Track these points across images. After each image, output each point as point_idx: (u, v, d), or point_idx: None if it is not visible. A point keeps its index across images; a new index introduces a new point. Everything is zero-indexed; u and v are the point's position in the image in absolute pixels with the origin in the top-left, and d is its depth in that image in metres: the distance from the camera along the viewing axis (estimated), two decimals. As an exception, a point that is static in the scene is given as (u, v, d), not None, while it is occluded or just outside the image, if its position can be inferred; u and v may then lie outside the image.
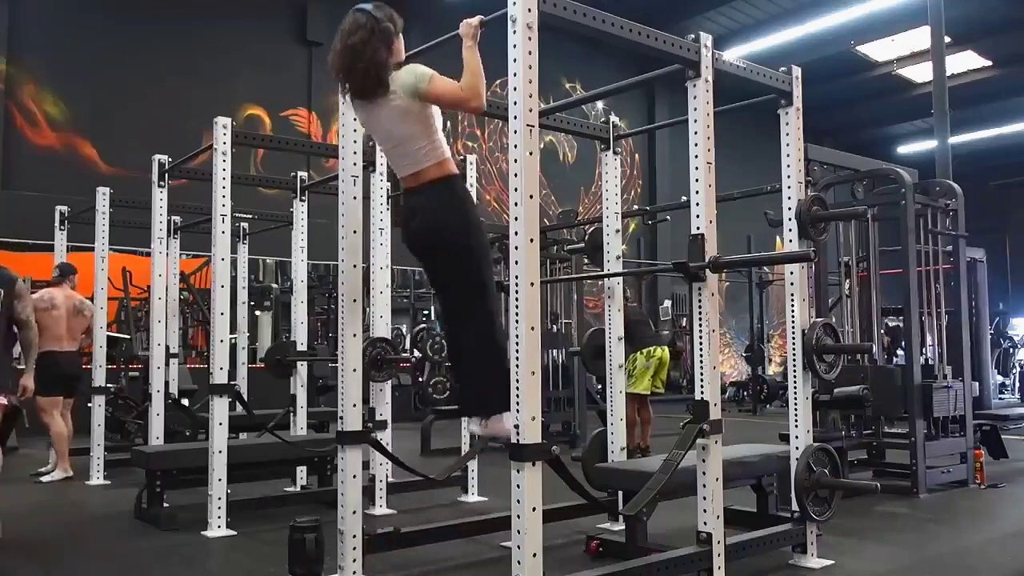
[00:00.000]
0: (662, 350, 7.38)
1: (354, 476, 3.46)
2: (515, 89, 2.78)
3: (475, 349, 3.28)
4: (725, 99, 4.01)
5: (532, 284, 2.75)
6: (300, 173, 6.22)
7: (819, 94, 15.54)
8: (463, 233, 3.26)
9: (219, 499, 4.65)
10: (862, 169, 6.51)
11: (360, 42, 3.17)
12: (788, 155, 3.98)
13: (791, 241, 3.96)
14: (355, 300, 3.55)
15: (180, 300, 7.43)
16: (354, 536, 3.42)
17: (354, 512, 3.42)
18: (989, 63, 17.58)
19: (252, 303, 10.34)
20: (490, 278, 3.33)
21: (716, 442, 3.39)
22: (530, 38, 2.77)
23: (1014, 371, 15.49)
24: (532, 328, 2.74)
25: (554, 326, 9.06)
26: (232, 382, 5.46)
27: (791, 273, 3.96)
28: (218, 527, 4.63)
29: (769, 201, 5.86)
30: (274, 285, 12.32)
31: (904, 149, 22.28)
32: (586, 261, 7.86)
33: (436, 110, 3.31)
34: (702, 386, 3.38)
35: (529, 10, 2.76)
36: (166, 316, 6.22)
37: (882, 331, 6.53)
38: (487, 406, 3.26)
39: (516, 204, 2.78)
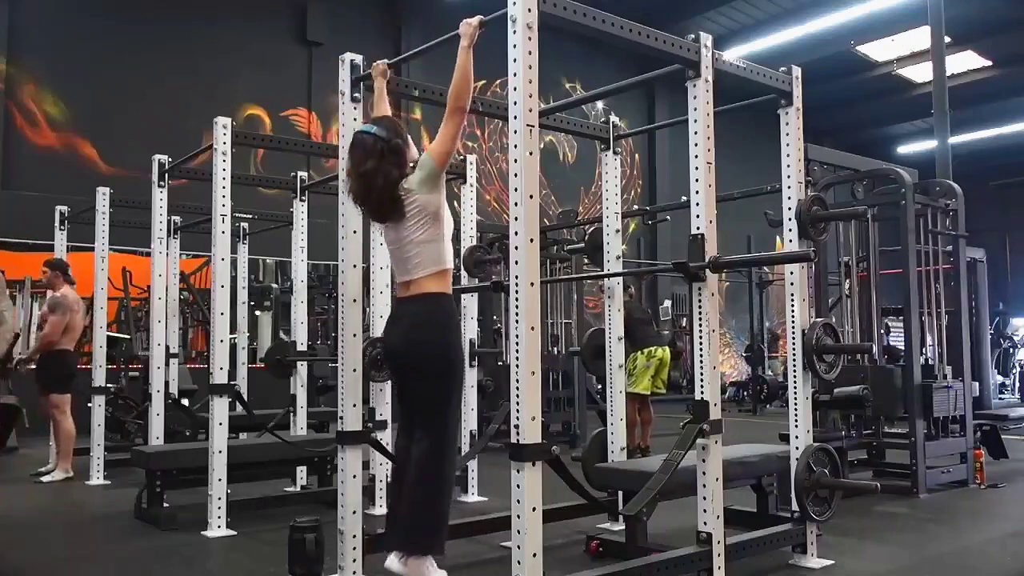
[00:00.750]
0: (663, 350, 7.36)
1: (354, 476, 3.46)
2: (515, 89, 2.78)
3: (417, 476, 3.13)
4: (725, 99, 4.01)
5: (532, 284, 2.75)
6: (300, 173, 6.22)
7: (819, 94, 15.53)
8: (437, 349, 3.20)
9: (219, 499, 4.65)
10: (862, 169, 6.51)
11: (372, 170, 3.17)
12: (788, 155, 3.98)
13: (791, 241, 3.96)
14: (355, 300, 3.55)
15: (180, 300, 7.43)
16: (354, 536, 3.42)
17: (354, 512, 3.43)
18: (989, 63, 17.58)
19: (252, 303, 10.33)
20: (455, 407, 3.26)
21: (716, 442, 3.39)
22: (530, 38, 2.77)
23: (1014, 371, 15.50)
24: (532, 328, 2.74)
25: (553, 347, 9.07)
26: (232, 382, 5.46)
27: (791, 273, 3.96)
28: (218, 527, 4.63)
29: (769, 201, 5.86)
30: (274, 285, 12.32)
31: (904, 149, 22.27)
32: (586, 261, 7.87)
33: (450, 219, 3.31)
34: (702, 386, 3.38)
35: (529, 10, 2.76)
36: (166, 316, 6.22)
37: (882, 331, 6.53)
38: (412, 543, 3.07)
39: (516, 204, 2.78)
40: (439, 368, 3.20)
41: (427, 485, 3.12)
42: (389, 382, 5.16)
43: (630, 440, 5.56)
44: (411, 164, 3.29)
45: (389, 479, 5.24)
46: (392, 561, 3.10)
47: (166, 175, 5.96)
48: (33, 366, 6.84)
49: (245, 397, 5.87)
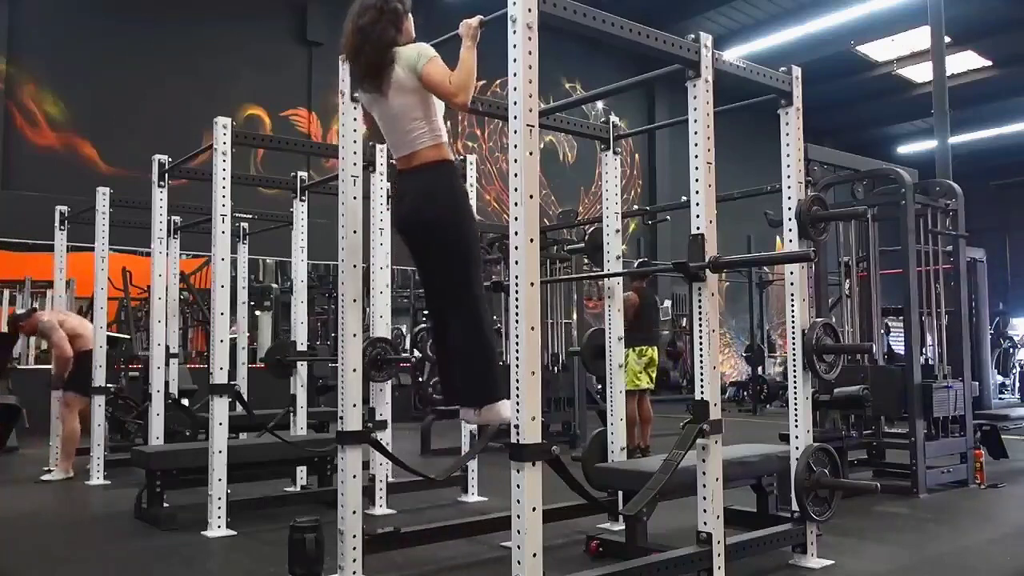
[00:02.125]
0: (652, 350, 7.39)
1: (354, 476, 3.46)
2: (515, 89, 2.78)
3: (462, 338, 3.27)
4: (725, 99, 4.02)
5: (532, 284, 2.75)
6: (300, 173, 6.22)
7: (819, 94, 15.54)
8: (451, 219, 3.24)
9: (219, 499, 4.65)
10: (862, 169, 6.50)
11: (369, 23, 3.19)
12: (788, 155, 3.98)
13: (791, 241, 3.96)
14: (355, 300, 3.55)
15: (180, 300, 7.43)
16: (354, 536, 3.42)
17: (354, 512, 3.42)
18: (989, 63, 17.59)
19: (252, 303, 10.33)
20: (476, 268, 3.32)
21: (716, 442, 3.39)
22: (530, 38, 2.77)
23: (1014, 371, 15.50)
24: (532, 328, 2.74)
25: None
26: (232, 382, 5.46)
27: (791, 273, 3.96)
28: (218, 527, 4.63)
29: (769, 201, 5.86)
30: (274, 285, 12.33)
31: (904, 149, 22.28)
32: (586, 261, 7.86)
33: (436, 99, 3.31)
34: (702, 386, 3.38)
35: (529, 10, 2.76)
36: (166, 316, 6.22)
37: (882, 331, 6.53)
38: (480, 394, 3.26)
39: (516, 204, 2.78)
40: (455, 235, 3.24)
41: (475, 350, 3.25)
42: (389, 382, 5.17)
43: (630, 440, 5.57)
44: (407, 39, 3.29)
45: (391, 480, 5.27)
46: (468, 416, 3.35)
47: (166, 175, 5.96)
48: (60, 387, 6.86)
49: (245, 397, 5.87)
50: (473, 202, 5.64)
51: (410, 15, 3.33)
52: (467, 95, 3.13)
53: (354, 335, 3.49)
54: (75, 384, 6.64)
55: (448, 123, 3.43)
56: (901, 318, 6.25)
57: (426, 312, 3.70)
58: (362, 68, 3.26)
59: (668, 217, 9.56)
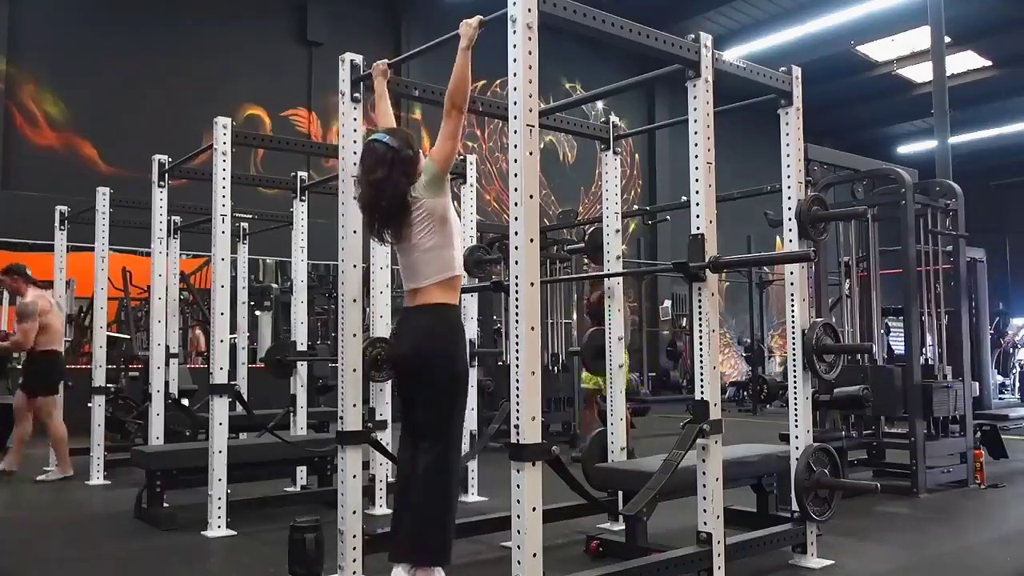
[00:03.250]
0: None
1: (354, 476, 3.46)
2: (515, 89, 2.78)
3: (424, 488, 3.12)
4: (725, 99, 4.01)
5: (532, 284, 2.75)
6: (300, 173, 6.22)
7: (819, 94, 15.53)
8: (443, 360, 3.19)
9: (219, 499, 4.65)
10: (862, 169, 6.51)
11: (382, 179, 3.14)
12: (788, 155, 3.98)
13: (791, 241, 3.96)
14: (355, 300, 3.55)
15: (180, 300, 7.43)
16: (354, 536, 3.42)
17: (354, 512, 3.43)
18: (989, 63, 17.58)
19: (252, 303, 10.33)
20: (459, 419, 3.25)
21: (716, 442, 3.39)
22: (530, 38, 2.78)
23: (1014, 371, 15.50)
24: (532, 328, 2.74)
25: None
26: (232, 382, 5.46)
27: (791, 273, 3.96)
28: (218, 527, 4.63)
29: (769, 201, 5.86)
30: (274, 285, 12.32)
31: (904, 149, 22.27)
32: (586, 261, 7.86)
33: (458, 224, 3.31)
34: (702, 386, 3.38)
35: (529, 10, 2.77)
36: (166, 316, 6.22)
37: (882, 331, 6.53)
38: (421, 555, 3.07)
39: (516, 204, 2.78)
40: (445, 380, 3.19)
41: (434, 497, 3.11)
42: (389, 382, 5.16)
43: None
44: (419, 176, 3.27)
45: (391, 480, 5.26)
46: (398, 573, 3.11)
47: (166, 175, 5.96)
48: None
49: (245, 397, 5.87)
50: (473, 202, 5.68)
51: (421, 154, 3.29)
52: (464, 100, 3.14)
53: (354, 335, 3.50)
54: (41, 386, 6.59)
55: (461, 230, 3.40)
56: (901, 318, 6.25)
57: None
58: (381, 218, 3.23)
59: (668, 217, 9.57)
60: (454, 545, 3.16)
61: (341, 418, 3.50)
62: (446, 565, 3.09)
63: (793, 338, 3.90)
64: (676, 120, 4.57)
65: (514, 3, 2.76)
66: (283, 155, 11.10)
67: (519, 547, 2.68)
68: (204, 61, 12.20)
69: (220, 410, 4.73)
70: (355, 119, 3.64)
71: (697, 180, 3.43)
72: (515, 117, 2.78)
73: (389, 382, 5.15)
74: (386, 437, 4.98)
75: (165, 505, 4.96)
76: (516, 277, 2.76)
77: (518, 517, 2.69)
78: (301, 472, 5.86)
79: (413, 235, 3.21)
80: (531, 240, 2.76)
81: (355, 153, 3.57)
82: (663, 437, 7.47)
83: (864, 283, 6.38)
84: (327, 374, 7.99)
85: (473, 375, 5.64)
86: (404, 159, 3.18)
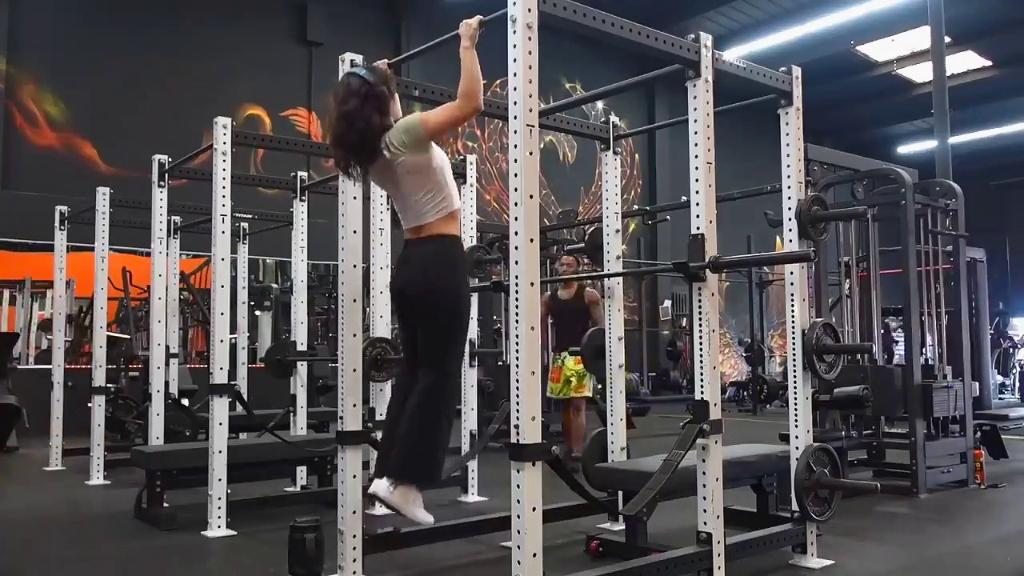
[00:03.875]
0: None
1: (354, 476, 3.46)
2: (515, 89, 2.78)
3: (418, 409, 3.16)
4: (725, 99, 4.01)
5: (532, 284, 2.75)
6: (300, 173, 6.22)
7: (819, 94, 15.52)
8: (445, 291, 3.22)
9: (219, 499, 4.65)
10: (862, 169, 6.50)
11: (353, 110, 3.15)
12: (788, 155, 3.98)
13: (791, 241, 3.96)
14: (355, 300, 3.55)
15: (180, 300, 7.43)
16: (354, 536, 3.42)
17: (354, 512, 3.43)
18: (989, 63, 17.57)
19: (252, 303, 10.33)
20: (459, 348, 3.29)
21: (716, 442, 3.39)
22: (530, 38, 2.78)
23: (1014, 371, 15.49)
24: (532, 328, 2.74)
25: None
26: (232, 382, 5.46)
27: (791, 273, 3.96)
28: (218, 527, 4.63)
29: (769, 201, 5.86)
30: (274, 285, 12.32)
31: (904, 149, 22.27)
32: (586, 261, 7.85)
33: (442, 157, 3.30)
34: (702, 386, 3.38)
35: (529, 10, 2.77)
36: (166, 316, 6.22)
37: (882, 331, 6.53)
38: (405, 472, 3.10)
39: (516, 204, 2.78)
40: (447, 308, 3.23)
41: (428, 417, 3.15)
42: (389, 382, 5.16)
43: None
44: (393, 119, 3.27)
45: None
46: (380, 485, 3.11)
47: (166, 175, 5.96)
48: None
49: (245, 397, 5.87)
50: (473, 202, 5.68)
51: (396, 96, 3.30)
52: (478, 98, 3.11)
53: (354, 335, 3.50)
54: None
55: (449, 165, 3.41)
56: (900, 318, 6.25)
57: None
58: (347, 154, 3.24)
59: (668, 217, 9.57)
60: (440, 475, 3.23)
61: (341, 418, 3.50)
62: (428, 487, 3.14)
63: (793, 338, 3.90)
64: (676, 120, 4.57)
65: (514, 3, 2.76)
66: (283, 155, 11.10)
67: (519, 547, 2.68)
68: (204, 61, 12.20)
69: (220, 410, 4.73)
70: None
71: (697, 180, 3.43)
72: (515, 117, 2.78)
73: (389, 382, 5.16)
74: (386, 437, 4.98)
75: (165, 505, 4.96)
76: (516, 277, 2.76)
77: (518, 517, 2.69)
78: (301, 472, 5.86)
79: (404, 186, 3.24)
80: (531, 240, 2.76)
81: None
82: (663, 437, 7.48)
83: (864, 283, 6.38)
84: (327, 374, 7.99)
85: (473, 375, 5.65)
86: (378, 94, 3.19)
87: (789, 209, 3.94)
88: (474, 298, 5.80)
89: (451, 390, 3.27)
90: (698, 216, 3.41)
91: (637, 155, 17.61)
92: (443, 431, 3.19)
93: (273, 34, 13.06)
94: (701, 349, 3.39)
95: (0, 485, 6.49)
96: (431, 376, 3.21)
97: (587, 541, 4.16)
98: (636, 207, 13.64)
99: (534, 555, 2.67)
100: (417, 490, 3.13)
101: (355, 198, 3.56)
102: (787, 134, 3.98)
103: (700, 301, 3.42)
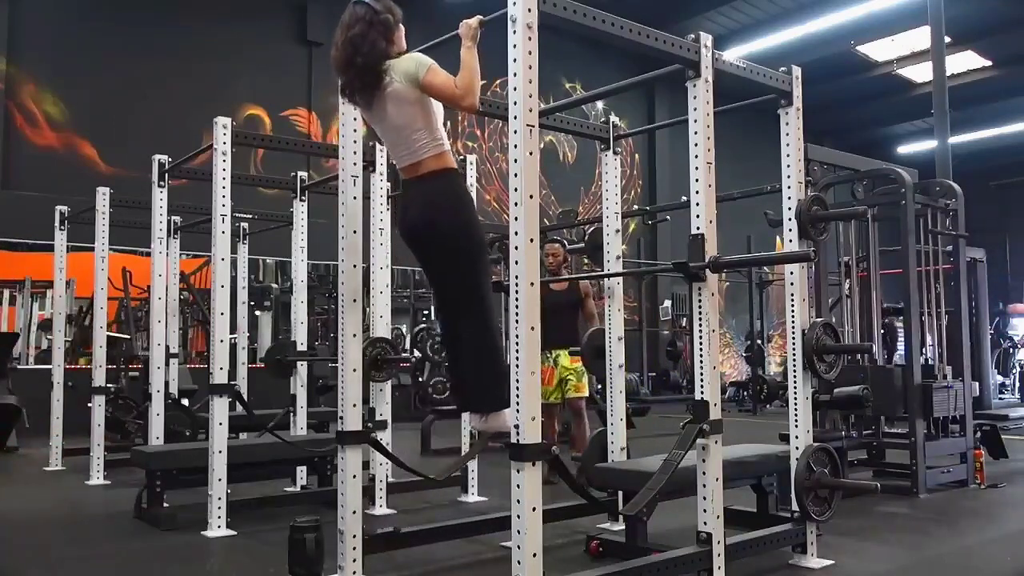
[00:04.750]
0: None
1: (354, 476, 3.46)
2: (515, 89, 2.78)
3: (471, 345, 3.30)
4: (725, 99, 4.01)
5: (532, 284, 2.75)
6: (300, 173, 6.22)
7: (819, 94, 15.54)
8: (458, 227, 3.27)
9: (219, 499, 4.65)
10: (862, 169, 6.50)
11: (359, 34, 3.20)
12: (788, 155, 3.98)
13: (791, 241, 3.96)
14: (355, 300, 3.55)
15: (180, 300, 7.43)
16: (354, 536, 3.42)
17: (354, 512, 3.43)
18: (989, 63, 17.57)
19: (252, 303, 10.34)
20: (485, 274, 3.35)
21: (716, 442, 3.39)
22: (530, 38, 2.77)
23: (1014, 371, 15.50)
24: (532, 328, 2.74)
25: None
26: (232, 382, 5.46)
27: (791, 273, 3.96)
28: (218, 527, 4.63)
29: (769, 201, 5.86)
30: (274, 285, 12.32)
31: (904, 149, 22.27)
32: (586, 261, 7.86)
33: (437, 103, 3.32)
34: (702, 386, 3.38)
35: (529, 10, 2.76)
36: (166, 316, 6.22)
37: (882, 331, 6.53)
38: (486, 402, 3.29)
39: (516, 204, 2.78)
40: (464, 243, 3.27)
41: (485, 355, 3.30)
42: (389, 382, 5.16)
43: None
44: (397, 51, 3.29)
45: (391, 480, 5.26)
46: (474, 422, 3.42)
47: (166, 175, 5.96)
48: None
49: (245, 397, 5.87)
50: (473, 203, 5.67)
51: (401, 26, 3.33)
52: (474, 97, 3.13)
53: (354, 335, 3.49)
54: None
55: (448, 124, 3.44)
56: (900, 318, 6.25)
57: (435, 318, 3.86)
58: (352, 80, 3.26)
59: (668, 217, 9.57)
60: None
61: (341, 418, 3.50)
62: (508, 406, 3.20)
63: (793, 338, 3.90)
64: (676, 120, 4.56)
65: (514, 3, 2.76)
66: (283, 155, 11.09)
67: (519, 547, 2.68)
68: (204, 61, 12.20)
69: (220, 410, 4.73)
70: (355, 119, 3.63)
71: (697, 180, 3.43)
72: (515, 117, 2.78)
73: (389, 382, 5.16)
74: (386, 437, 4.98)
75: (165, 505, 4.96)
76: (516, 277, 2.75)
77: (518, 517, 2.69)
78: (301, 472, 5.86)
79: (392, 115, 3.26)
80: (531, 240, 2.76)
81: (355, 153, 3.57)
82: (663, 437, 7.48)
83: (864, 283, 6.38)
84: (327, 374, 8.00)
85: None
86: (383, 21, 3.24)
87: (789, 209, 3.94)
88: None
89: (492, 319, 3.36)
90: (698, 216, 3.41)
91: (637, 155, 17.61)
92: (500, 359, 3.32)
93: (273, 34, 13.06)
94: (701, 349, 3.39)
95: (0, 485, 6.48)
96: (469, 321, 3.31)
97: (587, 541, 4.16)
98: (636, 207, 13.63)
99: (534, 555, 2.67)
100: (502, 411, 3.27)
101: (355, 198, 3.55)
102: (787, 134, 3.98)
103: (700, 301, 3.42)
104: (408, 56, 3.26)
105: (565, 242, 6.60)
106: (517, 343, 2.74)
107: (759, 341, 13.46)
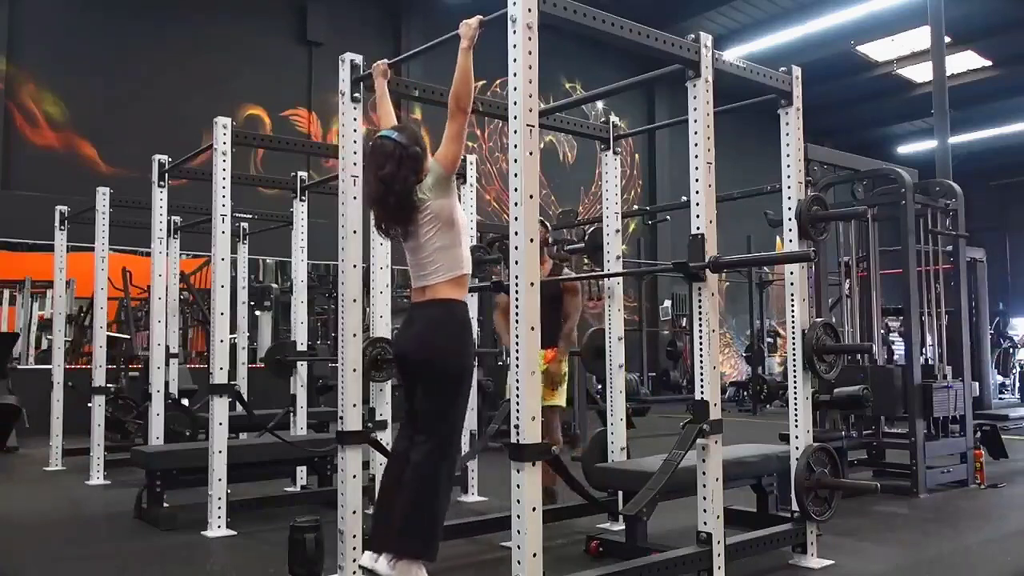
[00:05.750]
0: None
1: (354, 476, 3.46)
2: (515, 89, 2.79)
3: (417, 477, 3.08)
4: (725, 99, 4.01)
5: (532, 284, 2.75)
6: (300, 173, 6.22)
7: (819, 94, 15.53)
8: (449, 360, 3.19)
9: (219, 499, 4.65)
10: (862, 169, 6.51)
11: (390, 174, 3.15)
12: (788, 155, 3.98)
13: (791, 241, 3.96)
14: (355, 300, 3.55)
15: (180, 300, 7.43)
16: (354, 536, 3.42)
17: (354, 512, 3.43)
18: (989, 63, 17.57)
19: (252, 303, 10.34)
20: (460, 414, 3.24)
21: (716, 442, 3.39)
22: (530, 38, 2.78)
23: (1014, 371, 15.50)
24: (532, 328, 2.74)
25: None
26: (232, 382, 5.46)
27: (791, 273, 3.96)
28: (218, 527, 4.63)
29: (769, 201, 5.86)
30: (274, 285, 12.32)
31: (904, 149, 22.27)
32: (586, 261, 7.85)
33: (465, 219, 3.30)
34: (702, 386, 3.38)
35: (529, 10, 2.77)
36: (166, 316, 6.22)
37: (882, 331, 6.53)
38: (405, 546, 3.00)
39: (516, 204, 2.78)
40: (449, 374, 3.19)
41: (426, 487, 3.06)
42: (389, 382, 5.16)
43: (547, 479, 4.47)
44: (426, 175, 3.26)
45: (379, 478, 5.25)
46: (381, 563, 3.01)
47: (166, 175, 5.96)
48: None
49: (245, 397, 5.87)
50: (473, 202, 5.68)
51: (428, 151, 3.28)
52: (468, 100, 3.13)
53: (354, 335, 3.50)
54: None
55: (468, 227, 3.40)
56: (900, 318, 6.26)
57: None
58: (387, 217, 3.25)
59: (668, 217, 9.56)
60: (440, 545, 3.10)
61: (341, 418, 3.50)
62: (430, 560, 3.04)
63: (793, 338, 3.90)
64: (676, 120, 4.57)
65: (514, 3, 2.76)
66: (283, 155, 11.10)
67: (519, 547, 2.68)
68: (204, 61, 12.20)
69: (220, 410, 4.73)
70: (355, 119, 3.64)
71: (697, 180, 3.43)
72: (515, 117, 2.78)
73: (389, 382, 5.16)
74: (386, 437, 4.97)
75: (165, 505, 4.96)
76: (516, 277, 2.76)
77: (518, 517, 2.69)
78: (301, 472, 5.86)
79: (421, 235, 3.22)
80: (531, 240, 2.76)
81: (355, 153, 3.57)
82: (663, 437, 7.48)
83: (864, 283, 6.38)
84: (327, 374, 8.00)
85: (473, 375, 5.64)
86: (412, 155, 3.19)
87: (789, 209, 3.94)
88: (474, 298, 5.83)
89: (451, 458, 3.19)
90: (698, 216, 3.41)
91: (637, 155, 17.61)
92: (442, 502, 3.11)
93: (273, 34, 13.06)
94: (701, 349, 3.39)
95: (0, 485, 6.48)
96: (430, 444, 3.12)
97: (587, 541, 4.16)
98: (636, 207, 13.64)
99: (534, 555, 2.67)
100: (415, 563, 3.01)
101: (355, 198, 3.56)
102: (787, 134, 3.98)
103: (700, 301, 3.42)
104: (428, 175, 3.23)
105: (547, 223, 5.74)
106: (517, 343, 2.74)
107: (765, 340, 13.46)
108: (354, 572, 3.39)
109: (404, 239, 3.29)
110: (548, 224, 5.81)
